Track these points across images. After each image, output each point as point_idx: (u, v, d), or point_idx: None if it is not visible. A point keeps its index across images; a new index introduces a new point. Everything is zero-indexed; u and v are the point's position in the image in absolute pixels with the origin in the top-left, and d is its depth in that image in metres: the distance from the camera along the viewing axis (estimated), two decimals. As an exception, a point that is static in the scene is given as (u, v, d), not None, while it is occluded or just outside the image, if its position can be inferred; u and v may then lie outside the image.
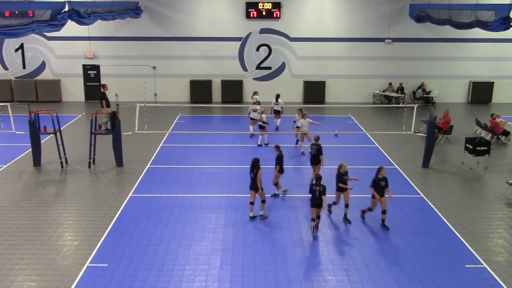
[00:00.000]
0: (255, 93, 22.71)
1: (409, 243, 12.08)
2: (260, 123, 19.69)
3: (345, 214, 13.29)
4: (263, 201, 13.36)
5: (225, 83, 28.67)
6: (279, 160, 14.46)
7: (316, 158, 15.44)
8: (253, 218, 13.27)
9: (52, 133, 17.50)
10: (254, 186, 13.15)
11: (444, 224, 13.14)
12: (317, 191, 12.13)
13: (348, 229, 12.86)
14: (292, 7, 27.93)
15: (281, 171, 14.57)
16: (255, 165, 13.08)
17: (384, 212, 12.71)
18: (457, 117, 24.37)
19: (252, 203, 13.26)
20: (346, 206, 13.24)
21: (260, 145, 19.80)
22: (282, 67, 28.84)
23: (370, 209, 13.04)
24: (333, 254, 11.56)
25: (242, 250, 11.68)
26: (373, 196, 12.75)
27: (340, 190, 13.13)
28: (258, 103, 21.71)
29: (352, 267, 11.01)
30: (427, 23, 26.16)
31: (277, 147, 14.69)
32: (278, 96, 22.29)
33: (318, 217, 12.51)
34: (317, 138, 15.66)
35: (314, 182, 12.49)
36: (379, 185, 12.62)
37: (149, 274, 10.61)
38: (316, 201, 12.16)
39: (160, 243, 11.99)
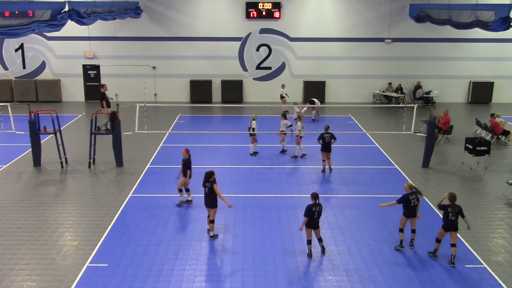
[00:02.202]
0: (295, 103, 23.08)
1: (409, 243, 12.06)
2: (250, 131, 18.50)
3: (411, 240, 12.01)
4: (212, 221, 12.21)
5: (225, 83, 28.67)
6: (189, 165, 13.86)
7: (328, 145, 16.61)
8: (212, 237, 12.21)
9: (52, 133, 17.50)
10: (210, 202, 12.02)
11: (444, 224, 13.13)
12: (316, 212, 11.05)
13: (347, 229, 12.85)
14: (292, 7, 27.93)
15: (188, 175, 13.91)
16: (206, 179, 12.02)
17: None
18: (457, 117, 24.38)
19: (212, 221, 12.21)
20: (413, 231, 11.92)
21: (252, 154, 18.85)
22: (282, 67, 28.85)
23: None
24: (333, 254, 11.55)
25: (242, 250, 11.67)
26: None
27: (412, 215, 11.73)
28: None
29: (352, 267, 11.01)
30: (427, 23, 26.17)
31: (187, 150, 13.97)
32: (312, 101, 24.15)
33: (321, 239, 11.49)
34: (327, 127, 16.77)
35: (312, 202, 11.13)
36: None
37: (149, 274, 10.61)
38: (314, 222, 11.14)
39: (160, 243, 11.99)
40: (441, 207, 11.21)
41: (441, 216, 11.33)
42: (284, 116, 19.08)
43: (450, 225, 11.04)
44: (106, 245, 11.87)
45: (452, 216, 10.98)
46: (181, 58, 28.50)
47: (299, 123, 18.60)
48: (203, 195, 12.27)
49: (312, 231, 11.29)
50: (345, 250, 11.76)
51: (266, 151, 19.27)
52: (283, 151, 19.07)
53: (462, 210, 11.09)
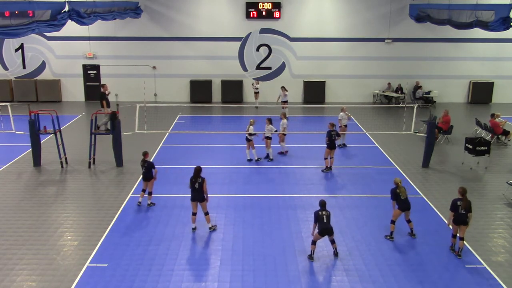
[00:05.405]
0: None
1: (409, 243, 12.08)
2: (247, 135, 17.94)
3: (411, 229, 12.46)
4: (207, 213, 12.54)
5: (225, 83, 28.67)
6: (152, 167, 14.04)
7: (334, 143, 16.91)
8: (194, 229, 12.59)
9: (52, 133, 17.50)
10: (199, 196, 12.30)
11: (444, 224, 13.12)
12: (324, 216, 11.13)
13: (347, 229, 12.85)
14: (292, 7, 27.92)
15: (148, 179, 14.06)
16: (198, 175, 12.34)
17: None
18: (457, 117, 24.37)
19: (194, 214, 12.53)
20: (408, 221, 12.44)
21: (250, 160, 18.20)
22: (282, 67, 28.85)
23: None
24: (333, 254, 11.53)
25: (242, 250, 11.67)
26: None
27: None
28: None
29: (352, 267, 11.01)
30: (427, 23, 26.17)
31: (147, 153, 14.26)
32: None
33: (333, 241, 11.42)
34: (332, 125, 17.15)
35: (319, 208, 11.30)
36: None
37: (149, 274, 10.61)
38: (325, 226, 11.10)
39: (160, 243, 11.99)
40: (452, 203, 11.37)
41: (444, 219, 11.36)
42: (270, 121, 18.15)
43: (460, 219, 11.26)
44: (106, 245, 11.87)
45: (461, 210, 11.19)
46: (181, 58, 28.50)
47: (284, 120, 18.69)
48: (192, 191, 12.34)
49: (326, 236, 11.28)
50: (345, 250, 11.75)
51: (265, 151, 19.26)
52: (270, 159, 18.36)
53: (470, 206, 11.30)
